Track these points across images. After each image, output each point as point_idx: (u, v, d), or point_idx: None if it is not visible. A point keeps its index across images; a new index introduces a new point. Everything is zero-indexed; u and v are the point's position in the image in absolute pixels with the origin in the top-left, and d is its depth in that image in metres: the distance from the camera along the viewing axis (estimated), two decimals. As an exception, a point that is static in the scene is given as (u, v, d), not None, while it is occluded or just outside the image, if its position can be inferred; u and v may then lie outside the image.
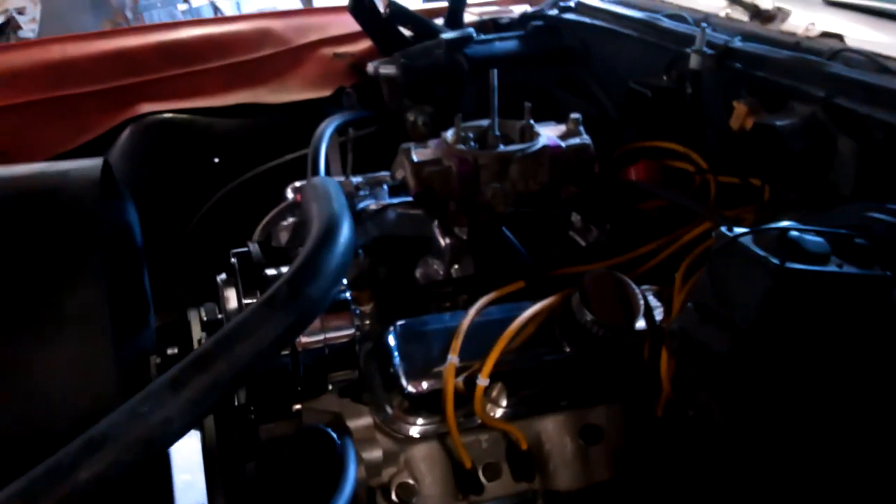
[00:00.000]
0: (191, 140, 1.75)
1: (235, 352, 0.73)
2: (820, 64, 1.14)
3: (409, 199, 1.24)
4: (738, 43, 1.29)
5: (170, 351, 1.14)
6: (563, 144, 1.24)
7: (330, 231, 0.87)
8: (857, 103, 1.05)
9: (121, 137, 1.70)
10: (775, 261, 0.76)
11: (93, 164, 1.05)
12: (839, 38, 1.24)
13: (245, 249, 1.07)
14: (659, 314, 1.10)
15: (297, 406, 1.05)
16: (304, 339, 1.00)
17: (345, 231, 0.88)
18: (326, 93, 1.81)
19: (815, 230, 0.82)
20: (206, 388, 0.72)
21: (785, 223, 0.83)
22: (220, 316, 1.05)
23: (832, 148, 1.08)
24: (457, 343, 1.00)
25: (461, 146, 1.21)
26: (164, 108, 1.73)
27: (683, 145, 1.36)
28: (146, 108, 1.72)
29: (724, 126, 1.21)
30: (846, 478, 0.81)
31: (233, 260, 1.05)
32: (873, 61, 1.12)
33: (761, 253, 0.78)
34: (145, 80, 1.75)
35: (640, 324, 1.06)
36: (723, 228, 0.83)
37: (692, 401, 0.99)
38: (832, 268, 0.78)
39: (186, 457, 1.21)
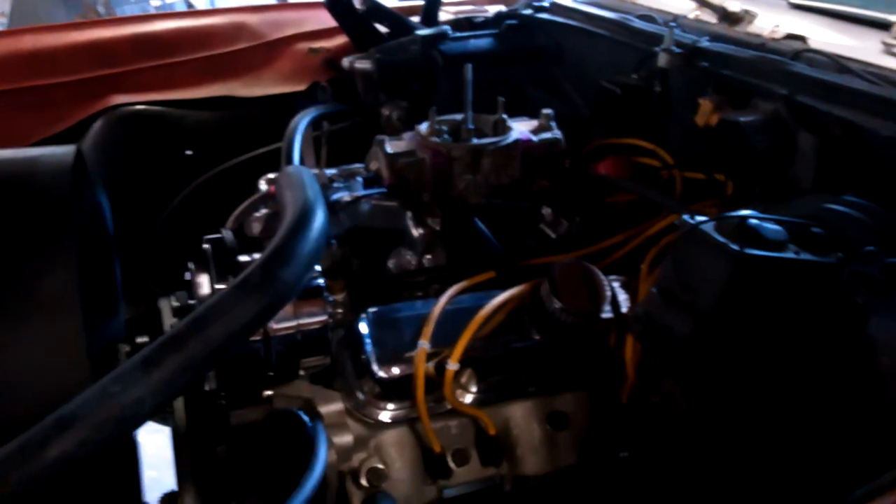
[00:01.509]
0: (163, 132, 1.74)
1: (208, 333, 0.74)
2: (783, 63, 1.18)
3: (383, 190, 1.26)
4: (705, 43, 1.33)
5: (139, 339, 1.15)
6: (534, 139, 1.27)
7: (304, 217, 0.88)
8: (818, 101, 1.09)
9: (93, 128, 1.68)
10: (735, 247, 0.79)
11: (66, 150, 1.05)
12: (803, 39, 1.28)
13: (218, 236, 1.08)
14: (625, 304, 1.12)
15: (269, 392, 1.05)
16: (276, 325, 1.01)
17: (319, 217, 0.89)
18: (301, 87, 1.81)
19: (774, 219, 0.85)
20: (178, 369, 0.72)
21: (745, 212, 0.86)
22: (192, 302, 1.06)
23: (793, 144, 1.11)
24: (428, 329, 1.02)
25: (435, 138, 1.22)
26: (137, 100, 1.72)
27: (651, 142, 1.39)
28: (119, 99, 1.71)
29: (691, 123, 1.24)
30: (803, 458, 0.84)
31: (206, 246, 1.05)
32: (835, 62, 1.15)
33: (722, 239, 0.81)
34: (118, 72, 1.74)
35: (608, 314, 1.09)
36: (685, 216, 0.86)
37: (656, 388, 1.02)
38: (789, 254, 0.81)
39: (153, 454, 1.21)
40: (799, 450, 0.84)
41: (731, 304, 0.81)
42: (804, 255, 0.81)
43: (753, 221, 0.83)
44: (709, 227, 0.84)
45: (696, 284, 0.84)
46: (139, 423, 0.73)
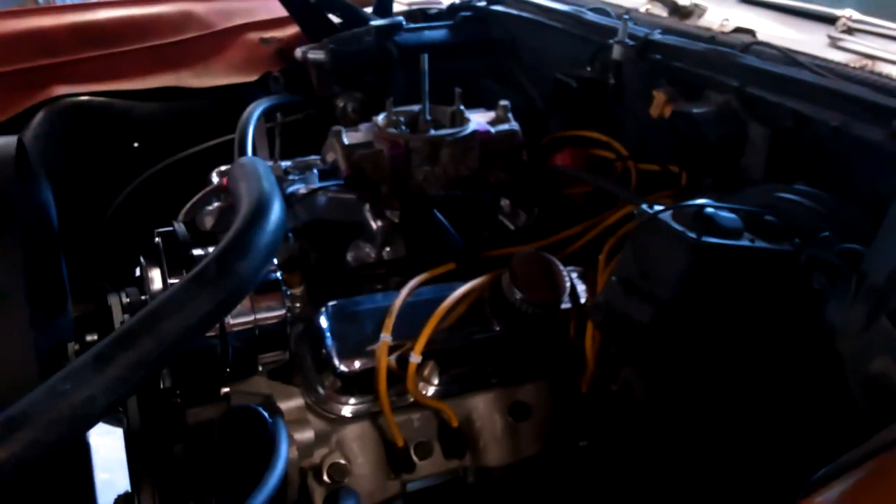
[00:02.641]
0: (109, 124, 1.69)
1: (162, 329, 0.72)
2: (734, 56, 1.20)
3: (340, 182, 1.24)
4: (657, 35, 1.34)
5: (89, 337, 1.11)
6: (492, 130, 1.26)
7: (260, 209, 0.86)
8: (769, 92, 1.11)
9: (34, 120, 1.62)
10: (692, 235, 0.80)
11: (6, 141, 1.01)
12: (751, 32, 1.31)
13: (170, 229, 1.05)
14: (583, 294, 1.13)
15: (226, 389, 1.03)
16: (232, 320, 0.98)
17: (275, 209, 0.87)
18: (252, 78, 1.78)
19: (729, 207, 0.86)
20: (131, 366, 0.70)
21: (701, 200, 0.87)
22: (143, 298, 1.03)
23: (744, 134, 1.13)
24: (389, 322, 1.01)
25: (393, 130, 1.21)
26: (81, 91, 1.67)
27: (606, 134, 1.41)
28: (61, 90, 1.65)
29: (645, 114, 1.25)
30: (762, 445, 0.86)
31: (157, 239, 1.02)
32: (783, 54, 1.18)
33: (679, 228, 0.82)
34: (60, 62, 1.68)
35: (567, 304, 1.09)
36: (643, 206, 0.87)
37: (616, 377, 1.03)
38: (745, 242, 0.82)
39: (105, 456, 1.17)
40: (758, 436, 0.86)
41: (690, 292, 0.82)
42: (759, 243, 0.83)
43: (710, 210, 0.84)
44: (667, 216, 0.85)
45: (655, 273, 0.85)
46: (91, 422, 0.70)
